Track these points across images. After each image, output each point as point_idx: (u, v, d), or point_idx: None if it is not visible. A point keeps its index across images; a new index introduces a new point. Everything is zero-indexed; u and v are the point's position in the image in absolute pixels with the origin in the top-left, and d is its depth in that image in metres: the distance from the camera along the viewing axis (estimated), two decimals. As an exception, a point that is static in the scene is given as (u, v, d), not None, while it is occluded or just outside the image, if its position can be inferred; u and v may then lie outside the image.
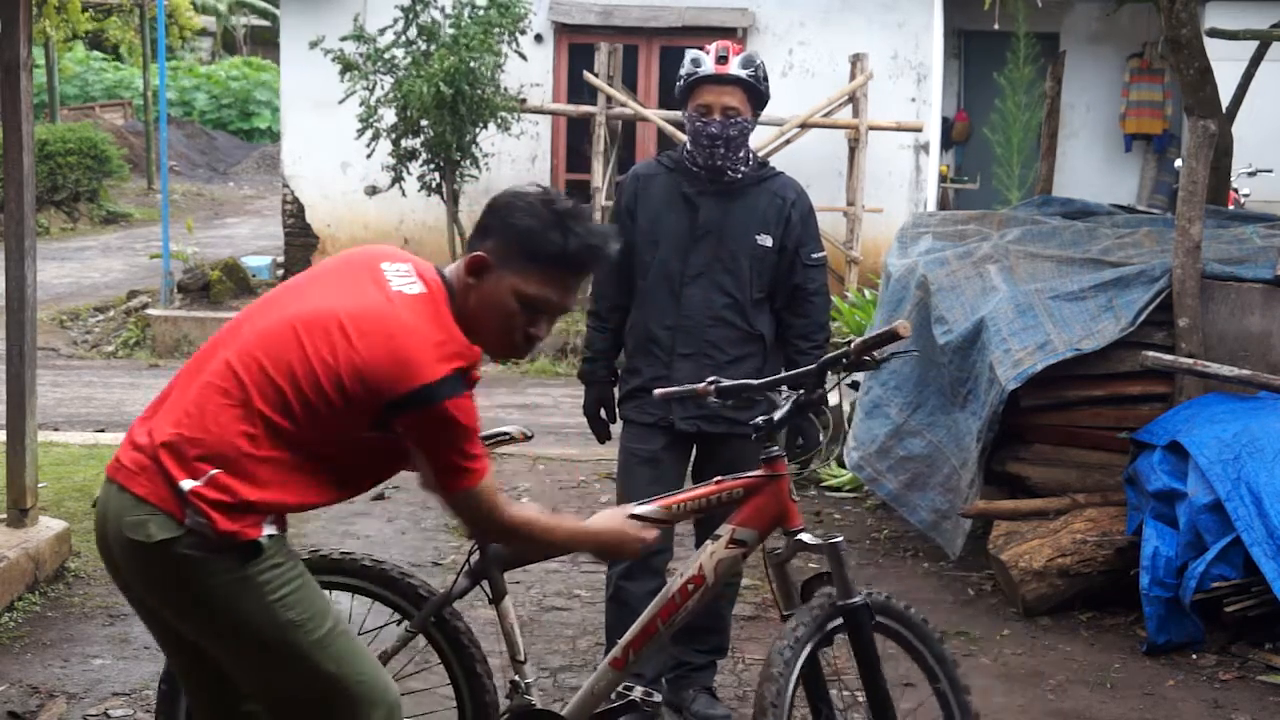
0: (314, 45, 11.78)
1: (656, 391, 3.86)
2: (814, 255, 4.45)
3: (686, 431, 4.41)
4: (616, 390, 4.56)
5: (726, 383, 3.62)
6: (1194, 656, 5.15)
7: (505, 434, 3.58)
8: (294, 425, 2.72)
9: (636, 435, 4.45)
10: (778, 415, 3.49)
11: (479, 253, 2.87)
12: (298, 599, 2.79)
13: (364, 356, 2.69)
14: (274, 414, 2.71)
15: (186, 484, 2.68)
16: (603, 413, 4.57)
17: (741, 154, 4.37)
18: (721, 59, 4.28)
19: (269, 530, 2.75)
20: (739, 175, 4.39)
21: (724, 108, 4.27)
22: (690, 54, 4.38)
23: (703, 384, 3.64)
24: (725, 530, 3.49)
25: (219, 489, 2.68)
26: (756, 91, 4.31)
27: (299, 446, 2.74)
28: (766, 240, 4.38)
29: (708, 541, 3.53)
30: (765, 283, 4.41)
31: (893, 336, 3.43)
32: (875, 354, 3.51)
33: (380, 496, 6.89)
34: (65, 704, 4.52)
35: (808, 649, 3.33)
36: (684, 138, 4.48)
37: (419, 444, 2.78)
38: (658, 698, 4.15)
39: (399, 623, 3.52)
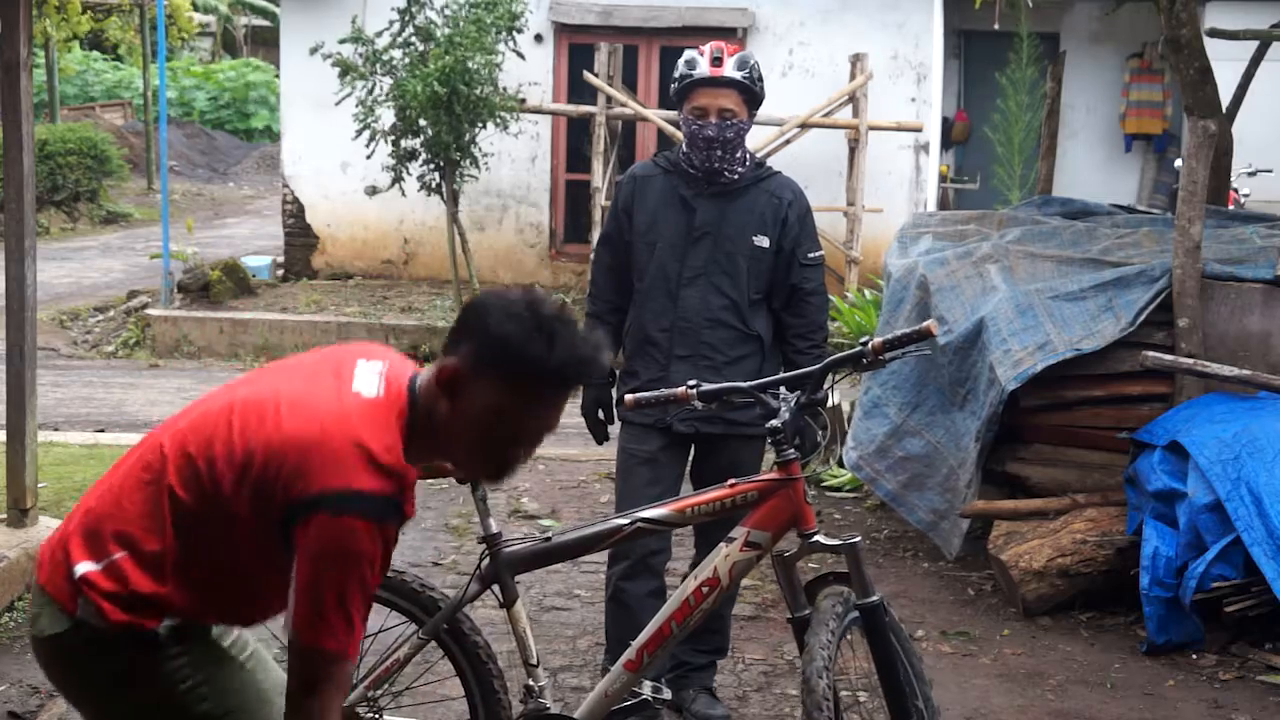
0: (314, 51, 11.78)
1: (629, 397, 3.83)
2: (811, 255, 4.43)
3: (684, 433, 4.39)
4: (614, 391, 4.55)
5: (708, 386, 3.61)
6: (1194, 656, 5.15)
7: None
8: (197, 503, 2.42)
9: (634, 436, 4.43)
10: (785, 417, 3.49)
11: (451, 362, 2.48)
12: (210, 691, 2.51)
13: (284, 437, 2.37)
14: (181, 489, 2.43)
15: (81, 568, 2.44)
16: (600, 414, 4.53)
17: (739, 155, 4.36)
18: (716, 61, 4.25)
19: (169, 621, 2.47)
20: (736, 177, 4.38)
21: (720, 110, 4.25)
22: (685, 55, 4.35)
23: (683, 388, 3.62)
24: (740, 533, 3.49)
25: (115, 578, 2.43)
26: (752, 93, 4.29)
27: (201, 537, 2.44)
28: (764, 241, 4.36)
29: (721, 544, 3.53)
30: (763, 284, 4.40)
31: (921, 336, 3.45)
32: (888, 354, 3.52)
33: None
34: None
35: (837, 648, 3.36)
36: (683, 138, 4.47)
37: (302, 569, 2.35)
38: (667, 694, 4.16)
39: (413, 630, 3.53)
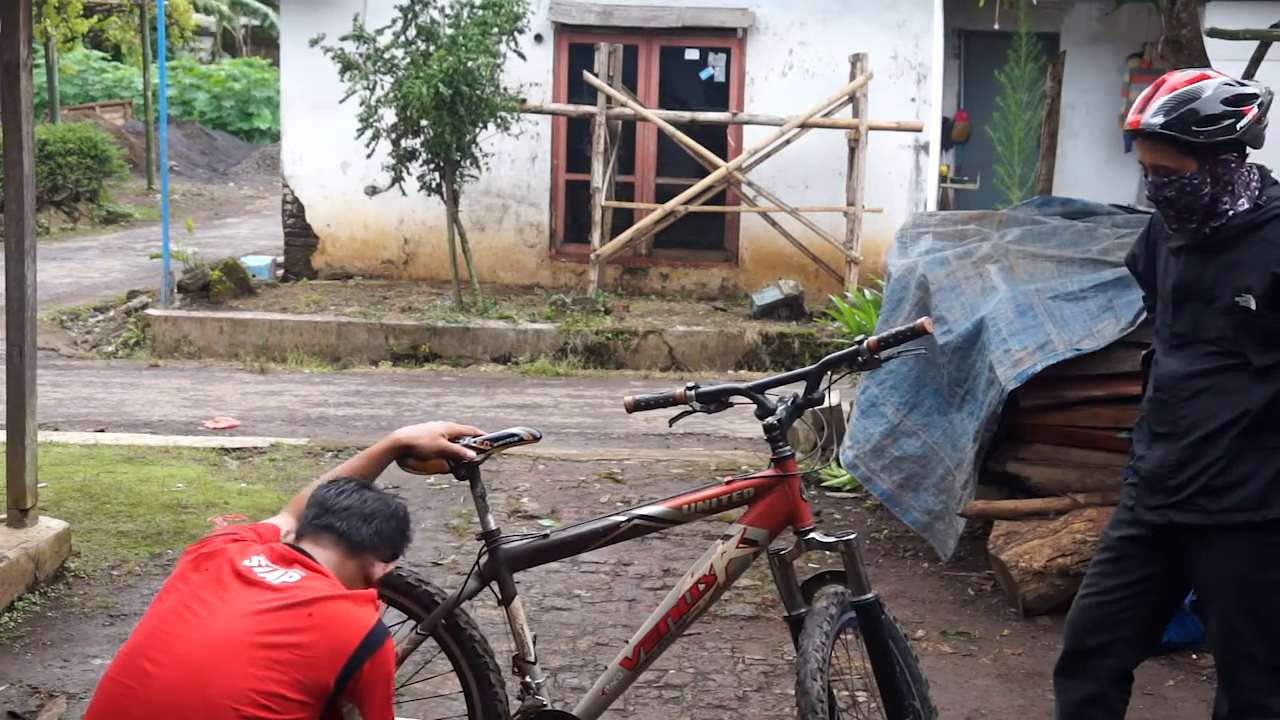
0: (314, 43, 11.80)
1: (628, 399, 3.66)
2: None
3: (1154, 522, 3.55)
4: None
5: (707, 387, 3.57)
6: (1194, 656, 5.15)
7: (514, 435, 3.57)
8: None
9: (1113, 519, 3.72)
10: (781, 415, 3.49)
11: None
12: None
13: (304, 646, 2.79)
14: None
15: None
16: None
17: (1198, 214, 3.44)
18: (1145, 105, 3.41)
19: None
20: (1209, 231, 3.47)
21: (1154, 167, 3.44)
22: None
23: (680, 388, 3.57)
24: (736, 530, 3.51)
25: None
26: (1193, 143, 3.37)
27: None
28: (1248, 302, 3.40)
29: (718, 541, 3.55)
30: (1260, 346, 3.44)
31: (916, 334, 3.44)
32: (883, 352, 3.52)
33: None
34: (65, 704, 4.52)
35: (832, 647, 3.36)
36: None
37: (368, 705, 2.85)
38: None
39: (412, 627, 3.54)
